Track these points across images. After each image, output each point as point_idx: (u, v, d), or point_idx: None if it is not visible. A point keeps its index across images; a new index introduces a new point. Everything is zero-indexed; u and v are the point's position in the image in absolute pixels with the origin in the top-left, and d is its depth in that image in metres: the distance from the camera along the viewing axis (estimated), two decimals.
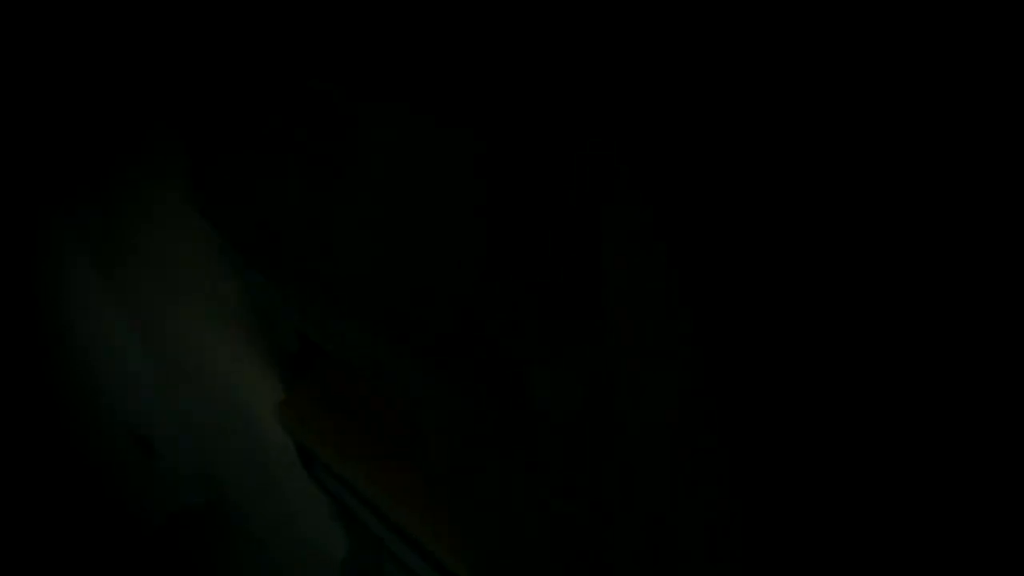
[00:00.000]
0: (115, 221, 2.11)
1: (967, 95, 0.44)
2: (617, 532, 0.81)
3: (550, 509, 0.91)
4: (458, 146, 0.78)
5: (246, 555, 2.57)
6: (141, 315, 2.33)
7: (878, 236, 0.51)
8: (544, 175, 0.70)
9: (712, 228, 0.59)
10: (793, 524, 0.65)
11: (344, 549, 1.86)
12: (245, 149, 1.19)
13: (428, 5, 0.71)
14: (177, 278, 1.93)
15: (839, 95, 0.48)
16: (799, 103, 0.50)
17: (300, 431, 1.31)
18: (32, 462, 2.44)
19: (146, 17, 1.36)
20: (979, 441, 0.52)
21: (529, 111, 0.67)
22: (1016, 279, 0.47)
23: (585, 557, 0.89)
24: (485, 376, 0.90)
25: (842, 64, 0.48)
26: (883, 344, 0.54)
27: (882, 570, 0.61)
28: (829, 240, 0.53)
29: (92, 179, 2.10)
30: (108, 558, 2.63)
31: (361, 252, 1.05)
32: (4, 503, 2.40)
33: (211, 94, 1.20)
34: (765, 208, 0.55)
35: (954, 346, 0.51)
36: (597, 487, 0.82)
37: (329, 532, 1.92)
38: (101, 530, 2.60)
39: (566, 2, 0.59)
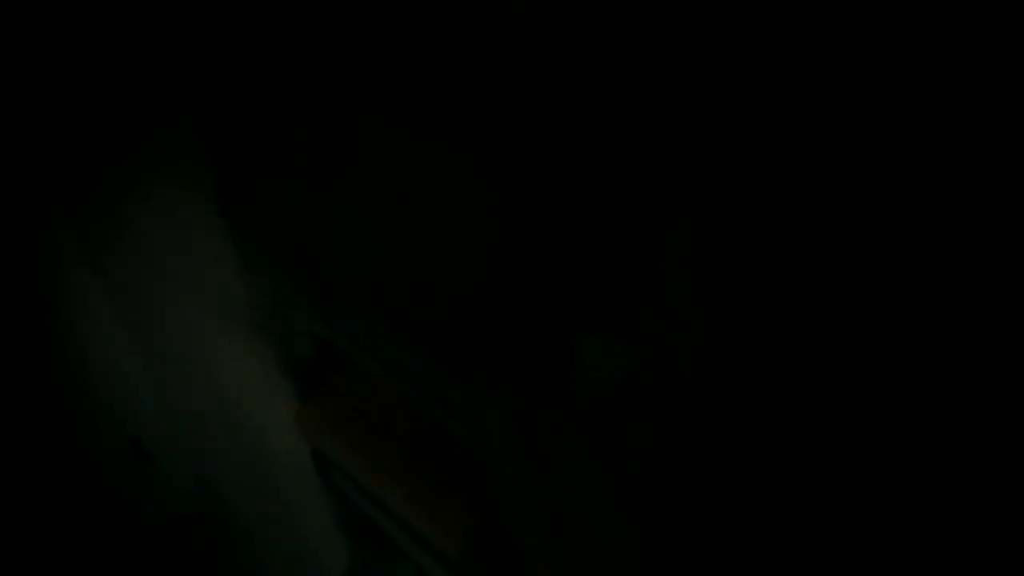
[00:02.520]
0: (116, 223, 2.11)
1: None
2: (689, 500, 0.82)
3: (599, 488, 0.91)
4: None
5: (242, 563, 2.55)
6: (141, 319, 2.32)
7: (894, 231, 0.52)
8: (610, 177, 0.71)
9: (756, 226, 0.60)
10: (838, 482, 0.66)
11: (345, 560, 1.85)
12: (269, 153, 1.19)
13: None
14: (180, 282, 1.92)
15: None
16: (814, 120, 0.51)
17: (319, 439, 1.31)
18: (27, 464, 2.42)
19: (157, 15, 1.36)
20: (978, 437, 0.53)
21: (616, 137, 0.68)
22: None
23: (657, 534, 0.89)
24: (526, 350, 0.90)
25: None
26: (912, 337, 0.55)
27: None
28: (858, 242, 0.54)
29: (93, 180, 2.09)
30: (102, 563, 2.60)
31: (393, 248, 1.06)
32: None
33: (236, 101, 1.21)
34: (800, 211, 0.56)
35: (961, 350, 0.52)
36: (651, 454, 0.82)
37: (329, 543, 1.91)
38: (95, 534, 2.58)
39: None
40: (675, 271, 0.69)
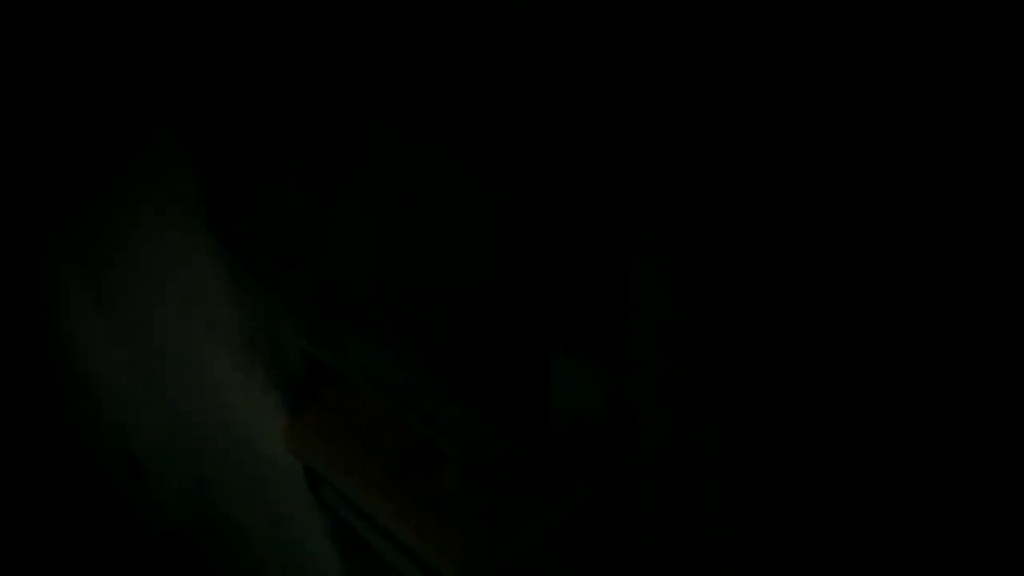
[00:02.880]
0: (108, 234, 2.10)
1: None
2: (632, 529, 0.81)
3: (563, 512, 0.91)
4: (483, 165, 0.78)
5: (239, 572, 2.54)
6: (132, 332, 2.31)
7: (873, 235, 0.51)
8: (582, 195, 0.70)
9: (724, 249, 0.60)
10: (799, 518, 0.65)
11: (339, 571, 1.84)
12: (256, 167, 1.18)
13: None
14: (174, 294, 1.91)
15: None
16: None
17: (308, 454, 1.30)
18: (23, 474, 2.41)
19: (151, 21, 1.35)
20: (972, 434, 0.53)
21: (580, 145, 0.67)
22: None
23: (598, 559, 0.89)
24: (503, 378, 0.90)
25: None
26: (883, 345, 0.54)
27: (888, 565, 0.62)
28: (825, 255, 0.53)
29: (85, 192, 2.08)
30: (97, 573, 2.59)
31: (378, 265, 1.05)
32: None
33: (224, 110, 1.20)
34: (764, 228, 0.56)
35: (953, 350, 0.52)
36: (614, 484, 0.82)
37: (325, 553, 1.90)
38: (90, 544, 2.57)
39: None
40: (638, 301, 0.69)
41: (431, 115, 0.82)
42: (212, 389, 1.97)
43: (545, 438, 0.87)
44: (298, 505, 1.89)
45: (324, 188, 1.07)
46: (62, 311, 2.39)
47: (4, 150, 2.18)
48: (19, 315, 2.35)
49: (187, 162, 1.40)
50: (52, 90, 1.89)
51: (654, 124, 0.61)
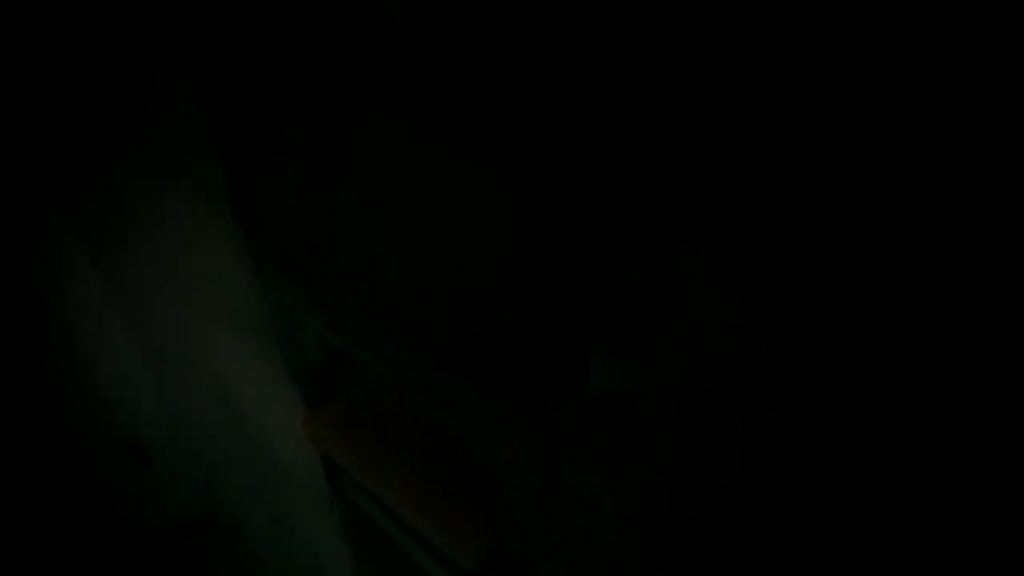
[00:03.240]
0: (118, 222, 2.10)
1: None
2: (688, 511, 0.82)
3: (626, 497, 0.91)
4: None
5: (244, 567, 2.54)
6: (143, 320, 2.31)
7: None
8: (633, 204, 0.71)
9: (768, 254, 0.61)
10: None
11: (346, 567, 1.84)
12: (281, 158, 1.19)
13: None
14: (184, 283, 1.92)
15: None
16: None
17: (328, 444, 1.30)
18: (28, 466, 2.40)
19: (164, 10, 1.36)
20: (970, 435, 0.54)
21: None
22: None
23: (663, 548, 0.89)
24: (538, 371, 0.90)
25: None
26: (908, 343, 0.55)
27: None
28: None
29: (95, 179, 2.08)
30: (102, 565, 2.59)
31: (403, 256, 1.05)
32: None
33: (248, 104, 1.20)
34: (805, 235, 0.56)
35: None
36: (664, 468, 0.83)
37: (331, 548, 1.90)
38: (96, 536, 2.57)
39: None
40: (693, 293, 0.69)
41: (448, 112, 0.83)
42: (225, 381, 1.98)
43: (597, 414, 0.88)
44: (307, 499, 1.89)
45: (347, 180, 1.07)
46: (69, 298, 2.39)
47: (18, 137, 2.18)
48: (25, 303, 2.35)
49: (212, 154, 1.41)
50: (71, 77, 1.90)
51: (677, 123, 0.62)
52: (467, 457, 1.23)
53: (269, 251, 1.29)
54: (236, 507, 2.44)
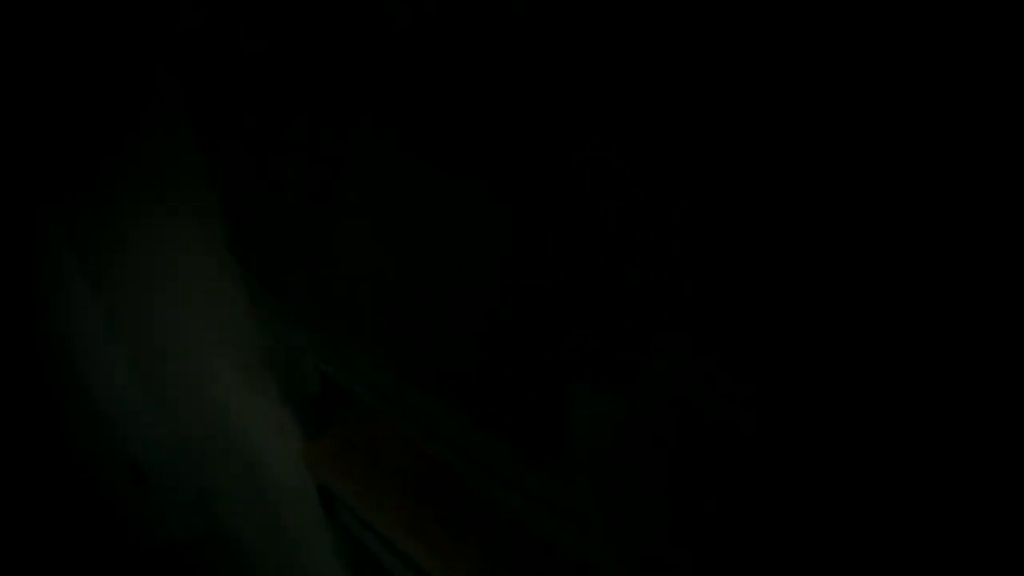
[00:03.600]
0: (117, 245, 2.11)
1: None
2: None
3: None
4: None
5: None
6: (143, 345, 2.32)
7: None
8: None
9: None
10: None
11: None
12: (278, 194, 1.20)
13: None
14: (186, 307, 1.93)
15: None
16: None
17: (325, 472, 1.31)
18: (26, 486, 2.41)
19: (156, 25, 1.37)
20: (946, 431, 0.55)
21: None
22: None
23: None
24: (522, 404, 0.92)
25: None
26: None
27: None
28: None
29: (96, 202, 2.10)
30: None
31: (398, 294, 1.07)
32: None
33: (239, 135, 1.22)
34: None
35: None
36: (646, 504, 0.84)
37: (330, 571, 1.92)
38: (92, 556, 2.57)
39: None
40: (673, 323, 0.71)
41: (443, 136, 0.84)
42: (222, 406, 1.99)
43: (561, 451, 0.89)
44: (304, 523, 1.90)
45: (341, 212, 1.09)
46: (67, 318, 2.40)
47: (10, 151, 2.19)
48: (22, 322, 2.37)
49: (207, 185, 1.42)
50: (61, 90, 1.91)
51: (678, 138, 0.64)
52: (460, 483, 1.25)
53: (264, 283, 1.31)
54: (235, 527, 2.45)
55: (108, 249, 2.17)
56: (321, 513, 1.47)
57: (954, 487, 0.58)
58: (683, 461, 0.77)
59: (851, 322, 0.58)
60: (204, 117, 1.29)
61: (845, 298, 0.58)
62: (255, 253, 1.31)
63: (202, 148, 1.36)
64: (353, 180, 1.04)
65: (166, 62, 1.38)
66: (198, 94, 1.27)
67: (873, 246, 0.55)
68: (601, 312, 0.79)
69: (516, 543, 1.15)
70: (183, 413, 2.30)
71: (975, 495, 0.57)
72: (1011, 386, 0.52)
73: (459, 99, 0.80)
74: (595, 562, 0.95)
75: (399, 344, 1.10)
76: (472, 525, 1.20)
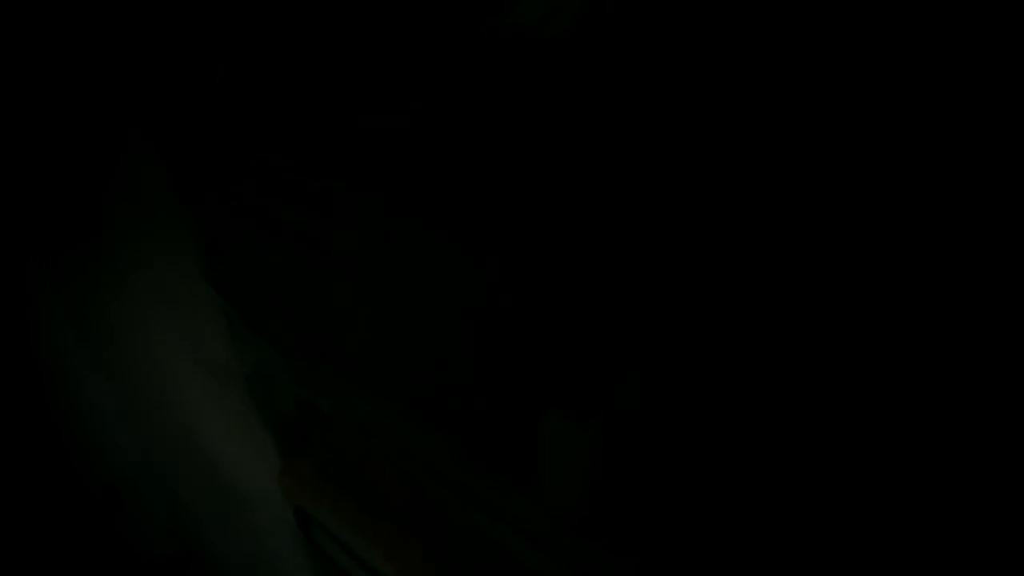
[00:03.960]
0: (93, 267, 2.11)
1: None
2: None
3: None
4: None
5: None
6: (117, 364, 2.32)
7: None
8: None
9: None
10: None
11: None
12: (253, 225, 1.22)
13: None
14: (162, 331, 1.93)
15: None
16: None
17: (301, 496, 1.33)
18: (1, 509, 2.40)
19: (150, 71, 1.38)
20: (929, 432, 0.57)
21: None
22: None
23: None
24: (496, 428, 0.93)
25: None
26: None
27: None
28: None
29: (73, 232, 2.10)
30: None
31: (375, 327, 1.08)
32: None
33: (218, 172, 1.23)
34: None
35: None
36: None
37: None
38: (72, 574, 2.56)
39: None
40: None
41: (422, 190, 0.86)
42: (197, 429, 1.99)
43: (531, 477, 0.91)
44: (283, 545, 1.90)
45: (318, 248, 1.10)
46: (45, 341, 2.39)
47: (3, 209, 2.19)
48: (5, 345, 2.36)
49: (182, 211, 1.43)
50: (44, 143, 1.92)
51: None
52: (437, 506, 1.26)
53: (240, 309, 1.32)
54: (214, 551, 2.45)
55: (84, 275, 2.17)
56: (299, 535, 1.48)
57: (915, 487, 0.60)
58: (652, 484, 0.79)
59: (795, 356, 0.61)
60: (183, 170, 1.31)
61: (780, 347, 0.61)
62: (231, 281, 1.32)
63: (183, 200, 1.38)
64: (332, 223, 1.05)
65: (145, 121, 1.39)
66: (175, 141, 1.29)
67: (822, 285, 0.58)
68: (568, 342, 0.81)
69: (492, 565, 1.17)
70: (158, 437, 2.30)
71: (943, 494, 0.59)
72: (991, 379, 0.53)
73: (438, 166, 0.82)
74: None
75: (374, 370, 1.12)
76: (449, 547, 1.22)
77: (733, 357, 0.66)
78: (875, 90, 0.51)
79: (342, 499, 1.29)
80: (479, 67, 0.68)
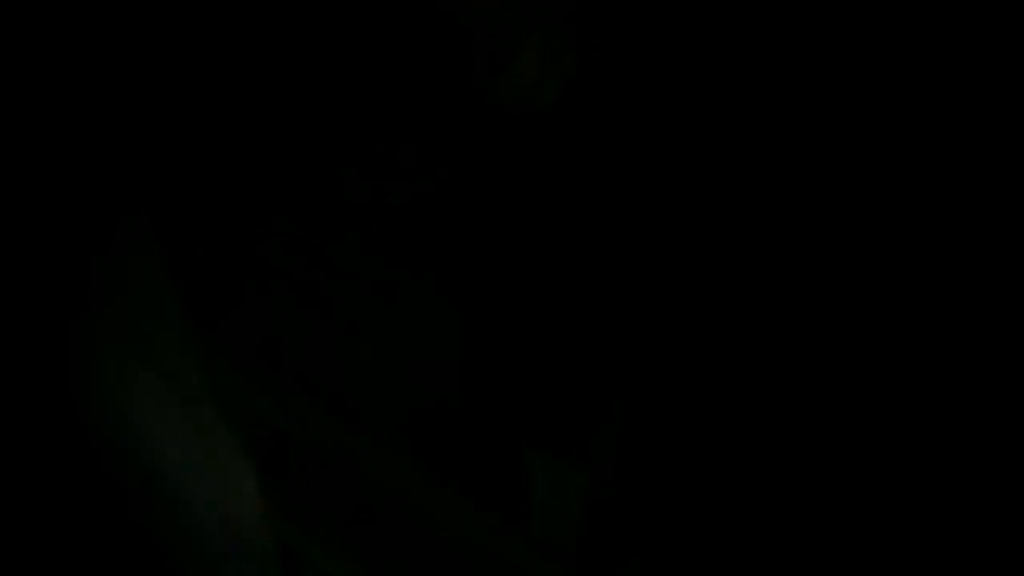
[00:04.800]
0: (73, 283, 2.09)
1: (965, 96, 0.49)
2: None
3: None
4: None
5: None
6: (87, 389, 2.30)
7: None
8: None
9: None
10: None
11: None
12: (234, 258, 1.23)
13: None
14: (136, 356, 1.92)
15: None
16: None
17: (286, 530, 1.33)
18: None
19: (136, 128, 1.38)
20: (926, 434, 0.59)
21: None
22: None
23: None
24: (484, 467, 0.95)
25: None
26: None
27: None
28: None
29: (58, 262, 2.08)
30: None
31: (360, 370, 1.10)
32: None
33: (200, 221, 1.24)
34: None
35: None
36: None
37: None
38: None
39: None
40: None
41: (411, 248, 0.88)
42: (175, 461, 1.98)
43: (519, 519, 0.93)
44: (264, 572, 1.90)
45: (303, 294, 1.12)
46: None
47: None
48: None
49: (162, 246, 1.43)
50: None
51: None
52: (427, 534, 1.27)
53: (221, 341, 1.33)
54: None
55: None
56: (281, 570, 1.48)
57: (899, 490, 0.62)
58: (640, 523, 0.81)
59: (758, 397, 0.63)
60: (170, 231, 1.31)
61: (746, 386, 0.63)
62: (211, 315, 1.33)
63: (157, 223, 1.38)
64: (317, 272, 1.06)
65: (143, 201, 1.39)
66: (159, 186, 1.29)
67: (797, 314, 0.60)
68: (552, 388, 0.83)
69: None
70: (134, 464, 2.28)
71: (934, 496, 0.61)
72: (986, 378, 0.55)
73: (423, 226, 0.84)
74: None
75: (360, 405, 1.13)
76: (435, 571, 1.23)
77: (718, 397, 0.69)
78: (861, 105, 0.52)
79: (322, 525, 1.29)
80: (467, 139, 0.70)
